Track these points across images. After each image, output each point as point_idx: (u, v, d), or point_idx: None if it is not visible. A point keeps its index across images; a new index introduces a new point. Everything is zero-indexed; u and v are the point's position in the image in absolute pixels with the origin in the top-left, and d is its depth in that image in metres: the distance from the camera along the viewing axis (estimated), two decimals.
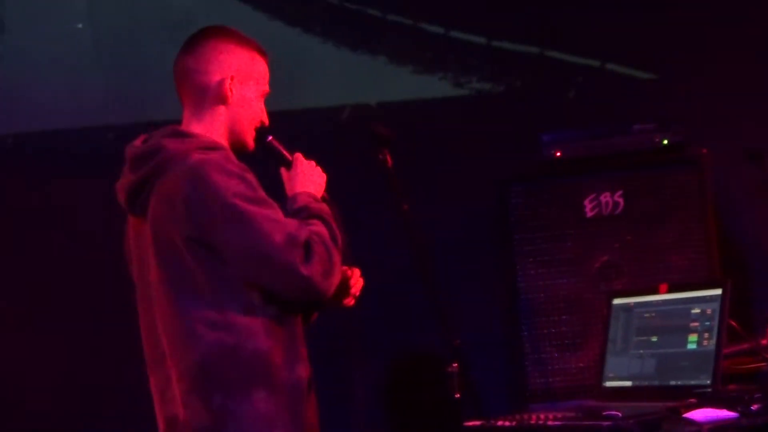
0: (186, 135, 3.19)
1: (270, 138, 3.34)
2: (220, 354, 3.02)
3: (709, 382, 3.36)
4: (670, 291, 3.70)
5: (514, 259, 4.65)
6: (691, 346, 3.49)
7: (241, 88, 3.24)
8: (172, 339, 3.08)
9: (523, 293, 4.61)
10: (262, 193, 3.08)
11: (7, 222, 5.14)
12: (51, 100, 5.25)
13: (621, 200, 4.59)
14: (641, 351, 3.65)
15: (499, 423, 3.36)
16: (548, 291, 4.58)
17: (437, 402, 3.08)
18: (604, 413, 3.03)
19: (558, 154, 4.67)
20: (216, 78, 3.22)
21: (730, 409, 3.12)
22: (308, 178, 3.30)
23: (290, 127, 5.10)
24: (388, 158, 3.59)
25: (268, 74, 3.33)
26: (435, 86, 5.43)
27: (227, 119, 3.24)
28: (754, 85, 5.06)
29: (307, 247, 3.02)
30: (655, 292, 3.74)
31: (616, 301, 3.82)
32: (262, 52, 3.33)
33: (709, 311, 3.50)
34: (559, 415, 3.22)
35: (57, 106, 5.24)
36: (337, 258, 3.08)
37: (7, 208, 5.15)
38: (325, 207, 3.21)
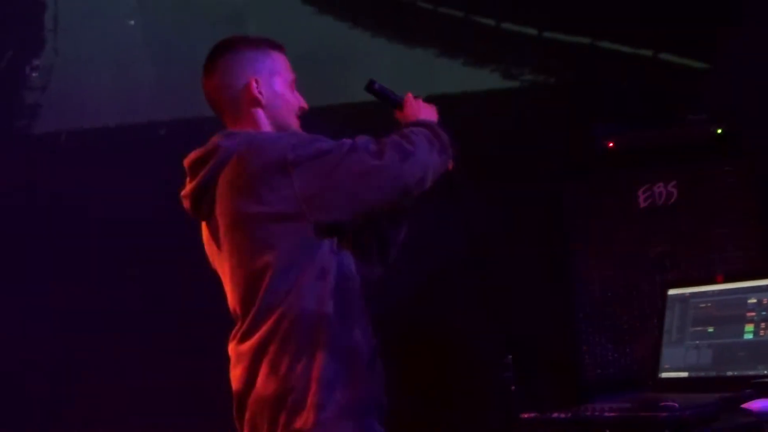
0: (237, 133, 3.25)
1: (376, 84, 3.44)
2: (289, 321, 3.07)
3: (766, 372, 3.32)
4: (725, 281, 3.67)
5: (569, 250, 4.63)
6: (748, 336, 3.45)
7: (268, 86, 3.32)
8: (247, 311, 3.14)
9: (578, 285, 4.59)
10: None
11: (62, 218, 5.18)
12: (103, 97, 5.28)
13: (675, 191, 4.56)
14: (697, 342, 3.62)
15: (555, 415, 3.34)
16: (603, 282, 4.56)
17: (493, 394, 3.06)
18: (661, 404, 3.00)
19: (611, 145, 4.65)
20: (241, 86, 3.30)
21: None
22: (423, 111, 3.40)
23: (342, 121, 5.15)
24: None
25: (287, 63, 3.40)
26: (486, 78, 5.41)
27: (268, 118, 3.31)
28: None
29: (375, 144, 3.14)
30: (711, 282, 3.71)
31: (672, 292, 3.79)
32: (274, 46, 3.39)
33: (765, 301, 3.46)
34: (615, 407, 3.20)
35: (109, 103, 5.28)
36: (421, 144, 3.17)
37: (62, 204, 5.18)
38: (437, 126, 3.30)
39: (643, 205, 4.58)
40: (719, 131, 4.60)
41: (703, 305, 3.66)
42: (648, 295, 4.42)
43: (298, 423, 3.04)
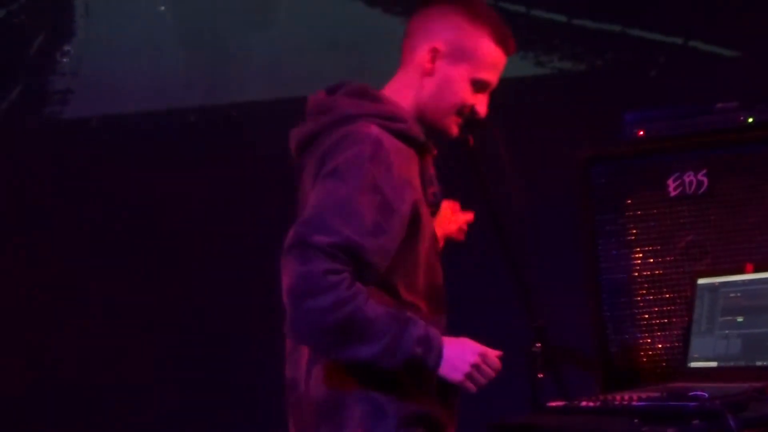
0: (366, 96, 3.04)
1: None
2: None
3: None
4: (756, 270, 3.66)
5: (597, 239, 4.62)
6: None
7: (448, 65, 3.05)
8: None
9: (606, 274, 4.57)
10: (364, 187, 2.86)
11: (93, 204, 5.20)
12: (134, 83, 5.30)
13: (705, 179, 4.54)
14: (727, 331, 3.61)
15: (583, 404, 3.33)
16: (631, 271, 4.55)
17: (521, 382, 3.06)
18: (690, 394, 2.99)
19: (641, 133, 4.62)
20: (423, 45, 3.06)
21: None
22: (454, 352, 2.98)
23: None
24: (470, 139, 3.56)
25: (494, 63, 3.10)
26: (517, 65, 5.37)
27: (421, 93, 3.06)
28: None
29: (326, 269, 2.78)
30: (741, 271, 3.70)
31: (701, 281, 3.78)
32: (497, 34, 3.09)
33: None
34: (644, 396, 3.20)
35: (139, 89, 5.30)
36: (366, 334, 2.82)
37: (93, 189, 5.21)
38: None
39: (673, 193, 4.56)
40: (750, 120, 4.57)
41: (733, 295, 3.66)
42: (677, 285, 4.39)
43: None
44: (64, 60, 5.37)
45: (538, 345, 3.48)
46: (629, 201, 4.58)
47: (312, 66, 5.34)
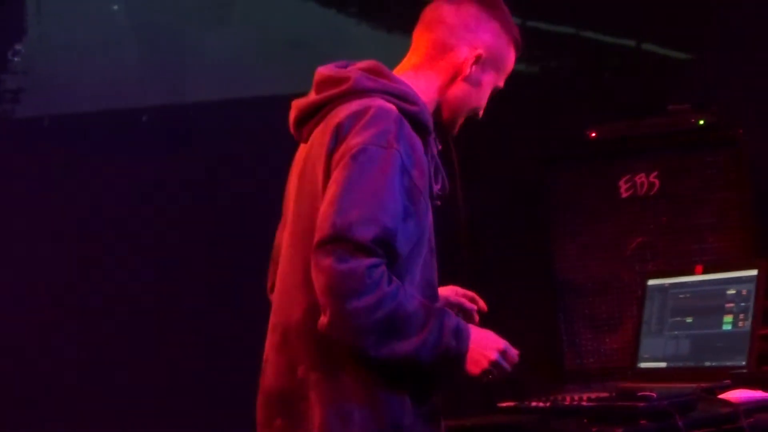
0: (382, 75, 2.95)
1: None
2: None
3: (744, 363, 3.34)
4: (705, 272, 3.68)
5: (551, 239, 4.64)
6: (727, 327, 3.47)
7: (481, 71, 3.02)
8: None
9: (560, 274, 4.60)
10: (390, 173, 2.75)
11: (42, 203, 5.17)
12: (87, 82, 5.27)
13: (656, 181, 4.57)
14: (676, 332, 3.64)
15: (533, 404, 3.35)
16: (584, 272, 4.57)
17: (471, 382, 3.06)
18: (639, 394, 3.02)
19: (593, 135, 4.66)
20: (464, 47, 3.01)
21: (765, 390, 3.11)
22: (483, 342, 2.89)
23: None
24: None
25: (510, 70, 3.13)
26: None
27: (449, 90, 3.02)
28: None
29: (368, 265, 2.69)
30: (691, 272, 3.73)
31: (651, 282, 3.81)
32: (518, 47, 3.12)
33: (744, 292, 3.48)
34: (593, 396, 3.22)
35: (93, 88, 5.26)
36: (408, 327, 2.74)
37: (43, 189, 5.17)
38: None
39: (624, 195, 4.59)
40: (701, 122, 4.61)
41: (683, 296, 3.68)
42: (628, 286, 4.43)
43: None
44: (16, 59, 5.33)
45: None
46: (582, 202, 4.61)
47: (267, 65, 5.33)
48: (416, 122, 2.90)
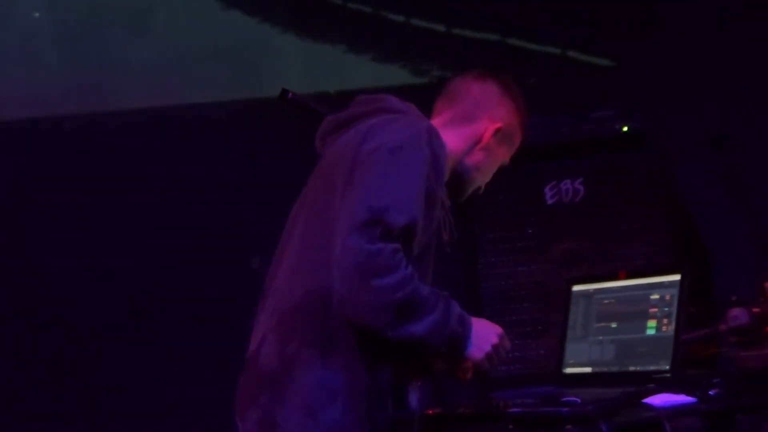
0: (415, 109, 3.14)
1: (289, 94, 3.30)
2: None
3: (668, 367, 3.35)
4: (629, 277, 3.69)
5: (477, 246, 4.65)
6: (650, 332, 3.48)
7: (497, 144, 3.22)
8: None
9: (484, 280, 4.62)
10: (421, 173, 2.90)
11: None
12: (8, 90, 5.20)
13: (581, 187, 4.60)
14: (601, 337, 3.64)
15: (460, 410, 3.35)
16: (509, 278, 4.59)
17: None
18: (563, 399, 3.02)
19: None
20: (486, 119, 3.20)
21: (688, 394, 3.12)
22: (482, 331, 3.02)
23: (252, 115, 5.12)
24: None
25: (516, 149, 3.31)
26: (395, 74, 5.42)
27: (467, 157, 3.20)
28: (715, 71, 5.07)
29: (393, 248, 2.81)
30: (615, 278, 3.73)
31: (576, 288, 3.81)
32: (525, 128, 3.31)
33: (668, 297, 3.49)
34: (519, 402, 3.21)
35: (14, 96, 5.20)
36: (423, 308, 2.85)
37: None
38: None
39: (550, 201, 4.61)
40: (625, 128, 4.64)
41: (607, 301, 3.69)
42: (553, 291, 4.44)
43: None
44: None
45: None
46: (507, 209, 4.63)
47: (192, 74, 5.31)
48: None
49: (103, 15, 5.35)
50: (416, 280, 2.85)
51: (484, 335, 2.99)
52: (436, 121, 3.19)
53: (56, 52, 5.29)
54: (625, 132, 4.64)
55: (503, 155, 3.28)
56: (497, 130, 3.20)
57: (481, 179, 3.28)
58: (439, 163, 2.98)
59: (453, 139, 3.15)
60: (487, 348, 2.98)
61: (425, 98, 5.39)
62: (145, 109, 5.21)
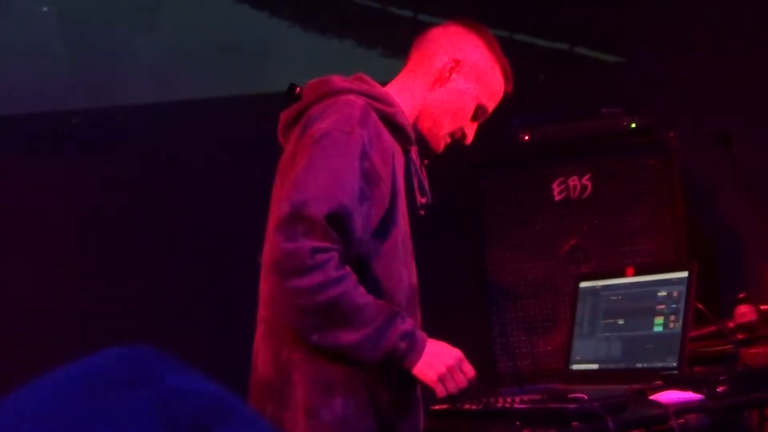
0: (360, 79, 3.04)
1: (298, 89, 3.18)
2: None
3: (675, 364, 3.35)
4: (636, 274, 3.69)
5: (483, 242, 4.64)
6: (658, 329, 3.48)
7: (463, 80, 3.12)
8: None
9: (492, 277, 4.61)
10: (352, 157, 2.83)
11: None
12: (15, 84, 5.20)
13: (589, 184, 4.58)
14: (608, 334, 3.64)
15: (466, 406, 3.34)
16: (516, 275, 4.58)
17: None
18: (570, 396, 3.02)
19: (526, 138, 4.67)
20: (444, 55, 3.11)
21: (696, 391, 3.12)
22: (434, 354, 2.93)
23: (261, 111, 5.11)
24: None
25: (497, 94, 3.20)
26: None
27: (429, 97, 3.10)
28: (722, 68, 5.06)
29: (313, 247, 2.73)
30: (622, 275, 3.73)
31: (583, 285, 3.81)
32: (507, 74, 3.19)
33: (675, 294, 3.49)
34: (526, 399, 3.21)
35: (20, 91, 5.20)
36: (358, 317, 2.79)
37: None
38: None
39: (557, 198, 4.60)
40: (633, 125, 4.63)
41: (614, 298, 3.69)
42: (561, 288, 4.44)
43: None
44: None
45: None
46: (514, 205, 4.62)
47: (199, 69, 5.30)
48: (391, 123, 2.98)
49: (110, 9, 5.35)
50: (349, 285, 2.76)
51: (438, 355, 2.90)
52: (395, 80, 3.12)
53: (63, 46, 5.28)
54: (633, 128, 4.62)
55: (472, 94, 3.14)
56: (457, 62, 3.09)
57: (451, 122, 3.14)
58: (380, 142, 2.89)
59: (413, 88, 3.08)
60: (441, 369, 2.89)
61: None
62: (152, 104, 5.21)
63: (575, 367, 3.70)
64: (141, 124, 5.14)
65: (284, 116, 3.09)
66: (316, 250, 2.71)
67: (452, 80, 3.10)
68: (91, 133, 5.13)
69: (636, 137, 4.62)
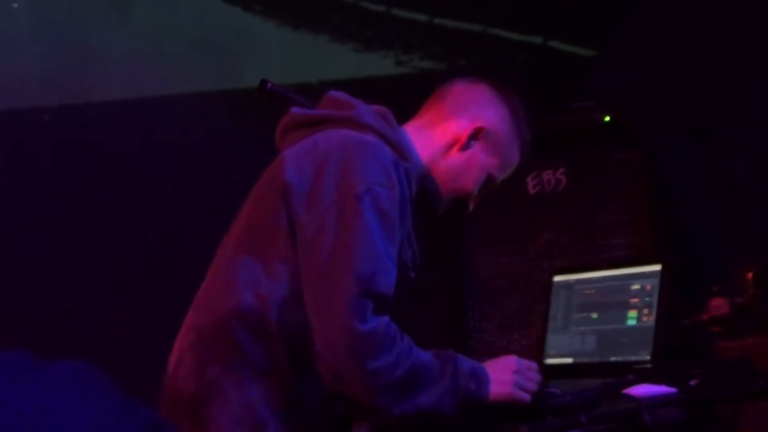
0: (386, 120, 2.90)
1: (268, 84, 3.12)
2: None
3: (648, 357, 3.35)
4: (609, 267, 3.69)
5: (458, 236, 4.64)
6: (631, 323, 3.48)
7: (479, 149, 2.97)
8: None
9: (468, 271, 4.61)
10: (395, 213, 2.70)
11: None
12: None
13: (563, 178, 4.59)
14: (582, 328, 3.64)
15: None
16: (491, 269, 4.58)
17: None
18: (543, 391, 3.02)
19: None
20: (466, 118, 2.97)
21: (669, 384, 3.11)
22: (497, 372, 2.86)
23: (233, 106, 5.10)
24: None
25: (511, 168, 3.07)
26: (377, 64, 5.40)
27: (442, 159, 2.96)
28: (698, 61, 5.07)
29: (382, 321, 2.62)
30: (595, 268, 3.73)
31: (557, 278, 3.80)
32: (524, 145, 3.07)
33: (648, 287, 3.49)
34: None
35: None
36: (416, 387, 2.67)
37: None
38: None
39: (531, 192, 4.60)
40: (607, 119, 4.63)
41: (588, 291, 3.69)
42: (536, 282, 4.44)
43: None
44: None
45: None
46: (489, 199, 4.61)
47: (172, 65, 5.28)
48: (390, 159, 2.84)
49: (83, 5, 5.32)
50: (413, 349, 2.68)
51: (500, 371, 2.82)
52: (412, 124, 3.00)
53: (35, 42, 5.26)
54: (607, 122, 4.63)
55: (487, 164, 3.00)
56: (478, 130, 2.95)
57: (458, 187, 2.99)
58: (405, 199, 2.77)
59: (428, 141, 2.95)
60: (509, 378, 2.82)
61: (407, 88, 5.41)
62: (125, 100, 5.19)
63: (549, 361, 3.70)
64: (113, 120, 5.12)
65: (293, 117, 2.96)
66: (387, 325, 2.63)
67: (470, 147, 2.98)
68: (63, 129, 5.11)
69: (610, 131, 4.62)
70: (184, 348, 2.84)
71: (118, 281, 5.02)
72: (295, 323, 2.70)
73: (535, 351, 3.90)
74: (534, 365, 2.90)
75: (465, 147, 2.96)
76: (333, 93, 2.98)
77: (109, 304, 5.03)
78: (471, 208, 3.08)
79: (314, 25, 5.43)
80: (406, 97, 5.39)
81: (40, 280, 4.99)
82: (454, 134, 2.97)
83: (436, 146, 2.97)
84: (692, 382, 3.12)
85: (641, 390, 3.09)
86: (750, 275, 4.02)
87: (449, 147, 2.97)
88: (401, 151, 2.85)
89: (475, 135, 2.96)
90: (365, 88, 5.29)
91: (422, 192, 2.94)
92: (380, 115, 2.91)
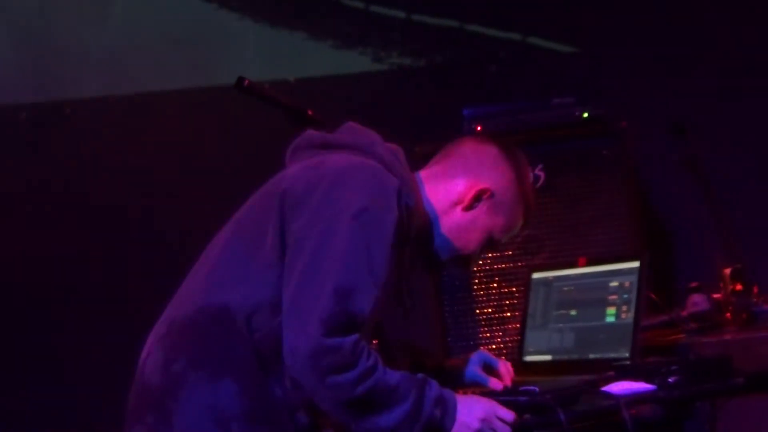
0: (397, 157, 2.90)
1: (245, 81, 3.13)
2: None
3: (627, 354, 3.35)
4: (588, 264, 3.68)
5: None
6: (610, 319, 3.47)
7: (483, 210, 2.99)
8: None
9: (444, 268, 4.59)
10: (389, 236, 2.71)
11: None
12: None
13: (542, 174, 4.58)
14: (560, 325, 3.63)
15: None
16: None
17: None
18: (521, 388, 3.01)
19: (479, 128, 4.65)
20: (471, 179, 2.98)
21: (647, 381, 3.11)
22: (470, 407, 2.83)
23: (211, 104, 5.09)
24: None
25: (512, 232, 3.09)
26: (355, 61, 5.39)
27: (445, 217, 2.98)
28: (675, 57, 5.07)
29: (350, 339, 2.62)
30: (574, 265, 3.72)
31: (536, 275, 3.79)
32: (528, 211, 3.09)
33: (627, 284, 3.48)
34: (477, 390, 3.21)
35: None
36: (387, 404, 2.69)
37: None
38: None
39: None
40: (585, 115, 4.63)
41: (566, 289, 3.68)
42: (515, 279, 4.44)
43: None
44: None
45: (375, 341, 3.46)
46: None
47: (149, 62, 5.27)
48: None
49: (58, 2, 5.30)
50: (379, 370, 2.67)
51: (471, 412, 2.80)
52: (421, 173, 3.01)
53: (10, 40, 5.24)
54: (586, 118, 4.62)
55: (490, 225, 3.02)
56: (482, 191, 2.97)
57: (460, 245, 3.01)
58: (410, 221, 2.80)
59: (432, 192, 2.96)
60: (475, 425, 2.79)
61: (384, 85, 5.41)
62: (103, 96, 5.18)
63: (528, 358, 3.69)
64: (90, 118, 5.11)
65: (306, 138, 2.97)
66: (355, 344, 2.63)
67: (474, 208, 2.99)
68: (40, 127, 5.10)
69: (589, 127, 4.62)
70: (155, 340, 2.85)
71: (88, 278, 5.02)
72: (268, 328, 2.72)
73: (514, 348, 3.90)
74: (510, 417, 2.85)
75: (469, 207, 2.98)
76: (352, 123, 3.00)
77: (97, 304, 5.03)
78: (472, 268, 3.08)
79: (292, 21, 5.42)
80: (385, 94, 5.42)
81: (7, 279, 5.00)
82: (459, 193, 2.99)
83: (440, 201, 2.99)
84: (671, 379, 3.12)
85: (620, 387, 3.08)
86: (728, 271, 4.03)
87: (453, 205, 2.99)
88: (408, 187, 2.85)
89: (479, 196, 2.98)
90: (343, 86, 5.33)
91: (423, 236, 2.95)
92: (392, 152, 2.93)
